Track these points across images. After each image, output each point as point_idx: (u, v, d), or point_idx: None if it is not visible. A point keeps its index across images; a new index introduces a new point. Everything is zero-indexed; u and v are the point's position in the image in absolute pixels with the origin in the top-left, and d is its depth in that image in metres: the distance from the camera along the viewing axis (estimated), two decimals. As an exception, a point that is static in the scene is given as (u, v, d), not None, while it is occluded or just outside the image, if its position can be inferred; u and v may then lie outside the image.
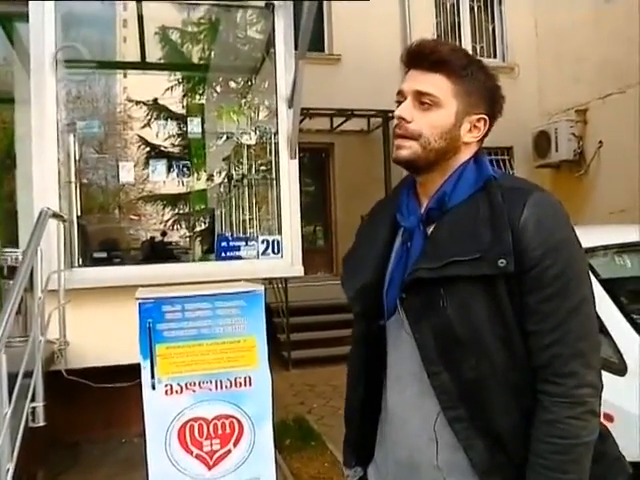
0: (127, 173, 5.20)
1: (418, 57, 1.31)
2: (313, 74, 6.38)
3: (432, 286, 1.24)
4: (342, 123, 10.18)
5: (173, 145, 11.09)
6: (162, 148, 11.24)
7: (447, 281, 1.23)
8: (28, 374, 2.82)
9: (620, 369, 2.84)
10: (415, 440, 1.32)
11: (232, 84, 7.81)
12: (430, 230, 1.32)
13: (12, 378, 2.47)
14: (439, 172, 1.34)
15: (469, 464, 1.25)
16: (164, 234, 11.17)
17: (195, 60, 9.44)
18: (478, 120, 1.33)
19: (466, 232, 1.25)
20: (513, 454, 1.24)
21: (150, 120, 11.09)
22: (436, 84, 1.29)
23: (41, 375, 3.06)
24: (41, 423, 3.05)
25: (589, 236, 3.62)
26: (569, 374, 1.19)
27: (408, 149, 1.31)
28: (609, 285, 3.13)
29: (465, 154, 1.35)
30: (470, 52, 1.41)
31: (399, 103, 1.34)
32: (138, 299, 2.16)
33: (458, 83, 1.29)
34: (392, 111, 1.40)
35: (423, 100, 1.30)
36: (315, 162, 11.06)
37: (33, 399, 2.96)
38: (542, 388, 1.22)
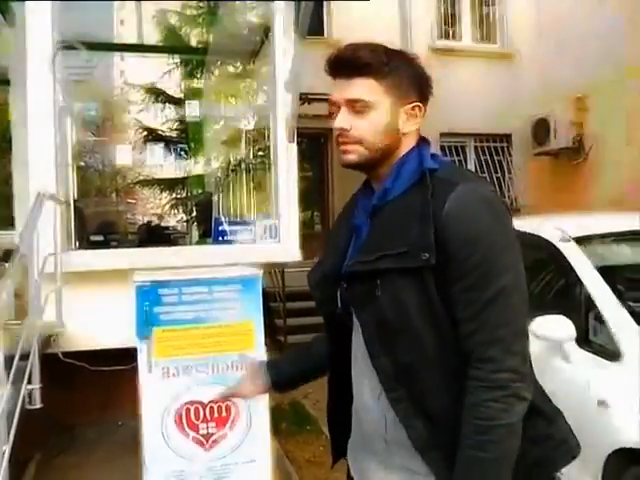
0: (124, 156, 5.18)
1: (340, 66, 1.38)
2: (312, 58, 6.33)
3: (369, 277, 1.33)
4: (341, 108, 10.13)
5: (171, 129, 11.04)
6: (159, 132, 11.19)
7: (381, 273, 1.31)
8: (24, 357, 2.82)
9: (614, 355, 2.86)
10: (370, 415, 1.42)
11: (231, 68, 7.76)
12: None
13: (8, 360, 2.48)
14: (385, 166, 1.41)
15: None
16: (161, 218, 11.18)
17: (193, 43, 9.37)
18: (412, 108, 1.38)
19: (397, 226, 1.33)
20: (450, 434, 1.29)
21: (148, 103, 11.02)
22: (364, 89, 1.35)
23: (37, 358, 3.06)
24: (37, 405, 3.05)
25: (586, 224, 3.63)
26: (488, 359, 1.25)
27: (355, 153, 1.38)
28: (606, 272, 3.14)
29: (406, 144, 1.40)
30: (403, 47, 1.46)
31: (332, 113, 1.40)
32: (135, 282, 2.15)
33: (384, 81, 1.35)
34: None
35: (356, 107, 1.35)
36: (313, 147, 11.03)
37: (30, 381, 2.96)
38: (469, 373, 1.28)
